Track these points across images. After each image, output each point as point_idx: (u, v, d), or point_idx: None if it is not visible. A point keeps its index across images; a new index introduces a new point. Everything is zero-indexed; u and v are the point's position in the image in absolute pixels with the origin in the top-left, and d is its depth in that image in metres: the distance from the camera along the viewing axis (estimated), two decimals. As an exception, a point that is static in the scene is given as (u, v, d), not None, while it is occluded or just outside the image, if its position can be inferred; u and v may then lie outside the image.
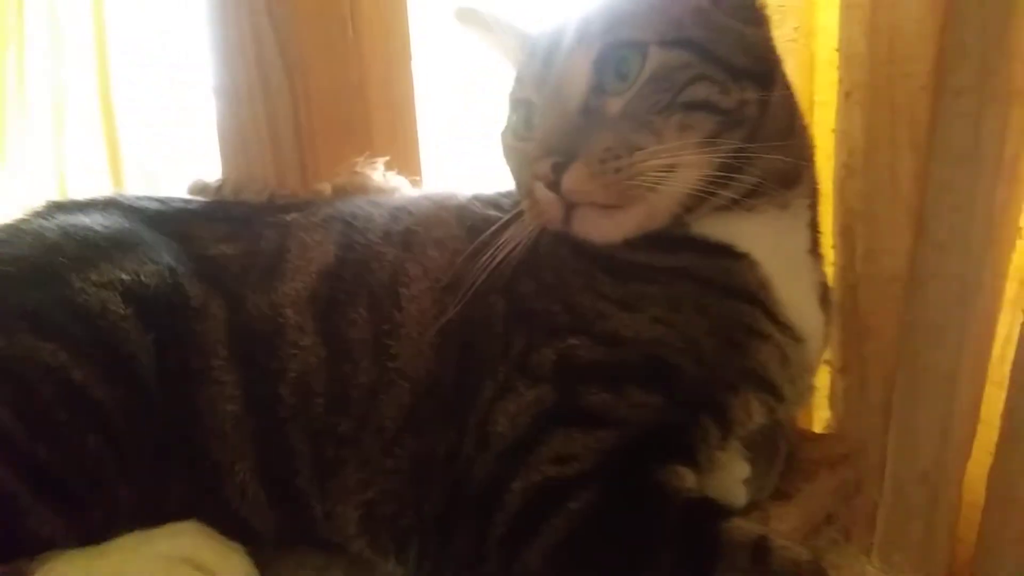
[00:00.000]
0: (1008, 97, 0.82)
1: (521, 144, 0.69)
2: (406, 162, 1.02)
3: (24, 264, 0.67)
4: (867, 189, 0.90)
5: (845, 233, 0.92)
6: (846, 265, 0.93)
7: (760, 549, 0.54)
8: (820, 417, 1.01)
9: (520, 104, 0.71)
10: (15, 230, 0.72)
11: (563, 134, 0.63)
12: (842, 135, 0.91)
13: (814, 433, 0.87)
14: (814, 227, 0.75)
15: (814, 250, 0.75)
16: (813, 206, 0.75)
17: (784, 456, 0.73)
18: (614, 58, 0.64)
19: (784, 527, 0.68)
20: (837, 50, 0.91)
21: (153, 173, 1.77)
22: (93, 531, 0.59)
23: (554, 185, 0.62)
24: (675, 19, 0.65)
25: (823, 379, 1.00)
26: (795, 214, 0.72)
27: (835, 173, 0.93)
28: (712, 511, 0.57)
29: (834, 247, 0.94)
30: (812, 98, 0.99)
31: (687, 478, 0.60)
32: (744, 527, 0.55)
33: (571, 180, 0.62)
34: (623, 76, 0.64)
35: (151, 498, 0.63)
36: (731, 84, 0.64)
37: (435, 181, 1.07)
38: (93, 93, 1.86)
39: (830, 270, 0.96)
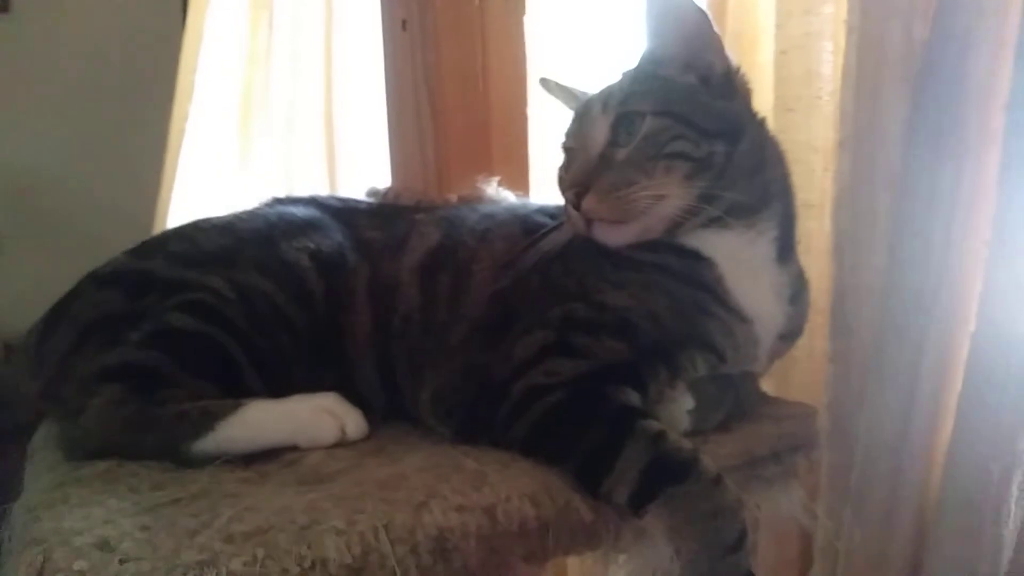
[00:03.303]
0: (959, 151, 1.05)
1: (564, 176, 1.02)
2: (517, 181, 1.38)
3: (255, 234, 1.07)
4: (853, 218, 1.14)
5: (837, 251, 1.17)
6: (837, 276, 1.18)
7: (658, 437, 0.83)
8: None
9: (566, 150, 1.04)
10: (252, 213, 1.14)
11: (584, 173, 0.95)
12: (836, 174, 1.16)
13: (776, 398, 1.13)
14: (783, 241, 1.01)
15: (782, 258, 1.01)
16: (783, 226, 1.00)
17: (731, 403, 0.99)
18: (625, 122, 0.95)
19: (721, 451, 0.94)
20: (839, 108, 1.17)
21: (354, 175, 2.21)
22: (279, 390, 0.95)
23: (576, 206, 0.94)
24: (666, 97, 0.95)
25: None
26: (759, 232, 0.98)
27: (832, 203, 1.18)
28: (636, 412, 0.87)
29: (832, 261, 1.20)
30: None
31: (632, 397, 0.88)
32: (653, 424, 0.84)
33: (586, 203, 0.93)
34: (630, 134, 0.95)
35: (313, 377, 1.00)
36: (702, 141, 0.93)
37: (539, 195, 1.43)
38: (319, 112, 2.34)
39: (829, 280, 1.22)
